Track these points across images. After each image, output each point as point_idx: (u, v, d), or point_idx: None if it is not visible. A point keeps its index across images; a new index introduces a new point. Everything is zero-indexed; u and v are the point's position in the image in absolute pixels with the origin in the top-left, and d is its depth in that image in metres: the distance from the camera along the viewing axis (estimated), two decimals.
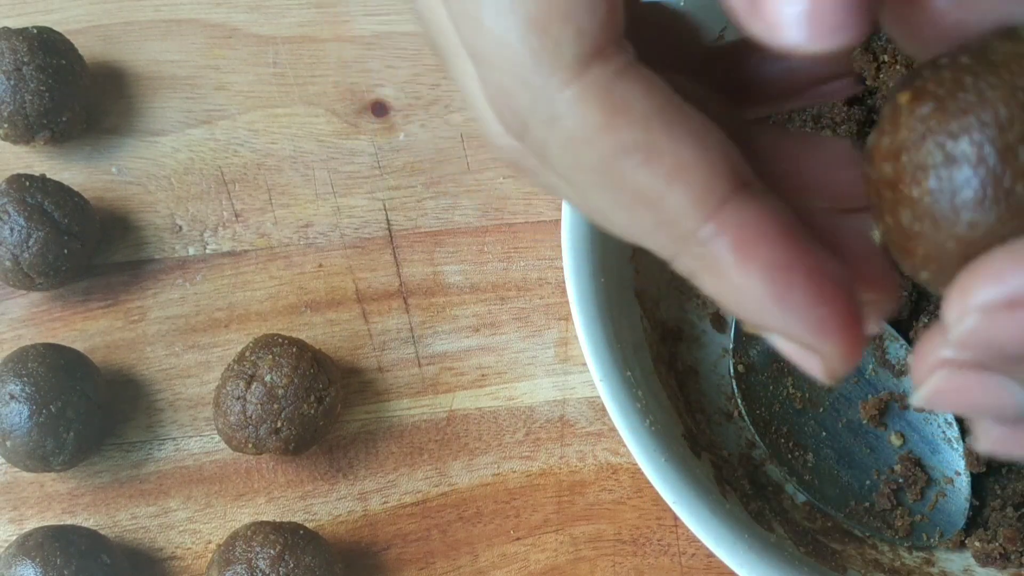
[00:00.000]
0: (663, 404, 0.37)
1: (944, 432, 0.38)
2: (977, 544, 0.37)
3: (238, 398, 0.37)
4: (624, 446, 0.33)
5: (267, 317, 0.42)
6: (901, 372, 0.39)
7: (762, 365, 0.39)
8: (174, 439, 0.41)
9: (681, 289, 0.41)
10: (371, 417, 0.41)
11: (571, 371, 0.42)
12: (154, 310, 0.42)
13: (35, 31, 0.40)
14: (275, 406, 0.37)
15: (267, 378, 0.37)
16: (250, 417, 0.37)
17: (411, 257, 0.43)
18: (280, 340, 0.39)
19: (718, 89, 0.22)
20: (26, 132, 0.40)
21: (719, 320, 0.41)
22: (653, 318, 0.39)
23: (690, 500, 0.33)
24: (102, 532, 0.38)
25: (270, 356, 0.38)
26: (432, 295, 0.43)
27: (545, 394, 0.42)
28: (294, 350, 0.38)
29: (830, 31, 0.15)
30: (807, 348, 0.18)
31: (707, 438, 0.39)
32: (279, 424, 0.37)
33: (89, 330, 0.41)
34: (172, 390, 0.41)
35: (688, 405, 0.39)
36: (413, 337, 0.42)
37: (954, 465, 0.38)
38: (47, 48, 0.40)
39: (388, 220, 0.43)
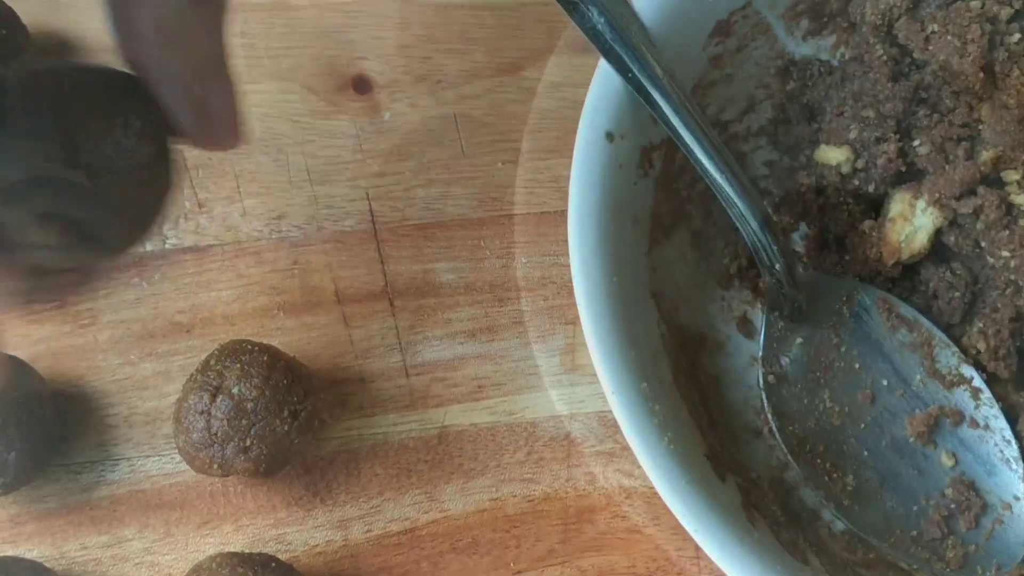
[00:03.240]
0: (683, 420, 0.37)
1: (1002, 451, 0.38)
2: None
3: (202, 413, 0.38)
4: (639, 467, 0.33)
5: (235, 321, 0.42)
6: (953, 383, 0.39)
7: (795, 375, 0.39)
8: (129, 459, 0.41)
9: (703, 289, 0.42)
10: (352, 434, 0.42)
11: (579, 382, 0.42)
12: (106, 313, 0.42)
13: None
14: (244, 422, 0.37)
15: (235, 390, 0.38)
16: (215, 434, 0.37)
17: (398, 253, 0.43)
18: (249, 347, 0.39)
19: None
20: None
21: (746, 324, 0.42)
22: (672, 322, 0.39)
23: (714, 528, 0.33)
24: (47, 564, 0.38)
25: (238, 365, 0.38)
26: (421, 296, 0.43)
27: (549, 408, 0.42)
28: (265, 358, 0.38)
29: None
30: None
31: (733, 458, 0.39)
32: (248, 442, 0.37)
33: (33, 335, 0.42)
34: (127, 404, 0.41)
35: (711, 421, 0.39)
36: (400, 344, 0.42)
37: (1012, 488, 0.38)
38: None
39: (372, 211, 0.43)
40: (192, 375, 0.39)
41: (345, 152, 0.44)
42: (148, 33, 0.28)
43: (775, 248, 0.37)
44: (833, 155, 0.40)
